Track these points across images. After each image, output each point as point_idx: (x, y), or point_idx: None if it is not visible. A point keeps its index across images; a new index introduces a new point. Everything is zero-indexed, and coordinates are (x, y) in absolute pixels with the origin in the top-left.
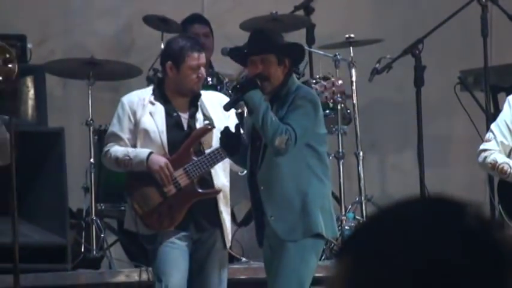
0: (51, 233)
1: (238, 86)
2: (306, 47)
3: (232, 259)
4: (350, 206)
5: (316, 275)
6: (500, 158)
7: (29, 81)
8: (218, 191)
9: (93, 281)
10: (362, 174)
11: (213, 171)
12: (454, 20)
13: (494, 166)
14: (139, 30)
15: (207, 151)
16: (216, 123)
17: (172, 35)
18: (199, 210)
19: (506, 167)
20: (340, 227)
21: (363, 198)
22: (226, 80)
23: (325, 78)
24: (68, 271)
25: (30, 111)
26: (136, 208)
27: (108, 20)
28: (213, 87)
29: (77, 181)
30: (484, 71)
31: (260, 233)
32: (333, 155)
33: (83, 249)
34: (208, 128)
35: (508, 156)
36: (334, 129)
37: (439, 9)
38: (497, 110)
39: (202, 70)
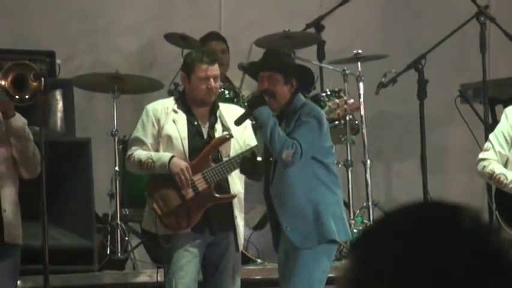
0: (79, 236)
1: (248, 102)
2: (317, 62)
3: (248, 260)
4: (358, 211)
5: (329, 275)
6: (498, 169)
7: (58, 95)
8: (234, 196)
9: (118, 281)
10: (369, 181)
11: (229, 178)
12: (454, 37)
13: (491, 176)
14: (161, 46)
15: (225, 159)
16: (234, 134)
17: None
18: (215, 214)
19: (502, 178)
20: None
21: (370, 203)
22: (243, 93)
23: (338, 96)
24: (94, 272)
25: (59, 122)
26: (156, 208)
27: (131, 37)
28: (230, 100)
29: (102, 188)
30: (483, 84)
31: (276, 239)
32: (342, 163)
33: (108, 252)
34: (227, 137)
35: (505, 165)
36: (343, 139)
37: (440, 27)
38: (495, 121)
39: (212, 81)
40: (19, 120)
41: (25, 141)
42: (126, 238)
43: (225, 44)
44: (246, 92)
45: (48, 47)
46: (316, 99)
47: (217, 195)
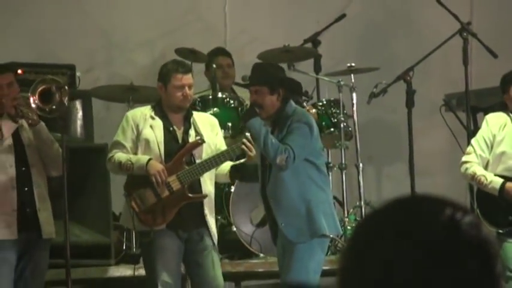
0: (97, 233)
1: (241, 116)
2: (314, 74)
3: (251, 255)
4: (351, 209)
5: (324, 268)
6: (479, 170)
7: (78, 104)
8: (205, 196)
9: (133, 275)
10: (361, 183)
11: (201, 179)
12: (439, 51)
13: (473, 177)
14: (172, 59)
15: (197, 161)
16: (206, 139)
17: (201, 64)
18: (187, 212)
19: (483, 179)
20: (343, 228)
21: (362, 202)
22: (247, 102)
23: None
24: (111, 266)
25: (78, 129)
26: (134, 206)
27: (144, 51)
28: (235, 110)
29: (118, 189)
30: (465, 94)
31: (274, 234)
32: (336, 166)
33: (124, 247)
34: (199, 142)
35: (486, 167)
36: (337, 144)
37: (427, 41)
38: (477, 128)
39: (187, 89)
40: (44, 126)
41: (51, 143)
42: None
43: (230, 58)
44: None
45: (68, 61)
46: (314, 108)
47: (190, 194)
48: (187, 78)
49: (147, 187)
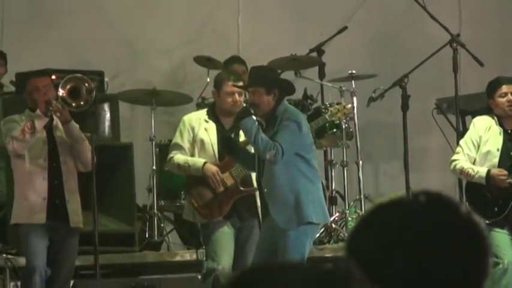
0: (123, 223)
1: (236, 115)
2: (318, 80)
3: None
4: (352, 202)
5: (328, 255)
6: (467, 165)
7: (106, 107)
8: (256, 189)
9: (155, 260)
10: (361, 178)
11: (252, 174)
12: (431, 59)
13: (462, 171)
14: (191, 67)
15: None
16: None
17: (216, 71)
18: (241, 204)
19: (470, 171)
20: (344, 218)
21: (362, 196)
22: None
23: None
24: (135, 252)
25: (106, 129)
26: (194, 203)
27: (166, 59)
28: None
29: (142, 183)
30: (455, 99)
31: (263, 217)
32: (339, 163)
33: (147, 236)
34: (247, 141)
35: (473, 164)
36: (340, 143)
37: (420, 51)
38: (465, 129)
39: (237, 96)
40: (75, 125)
41: (82, 141)
42: (162, 225)
43: (244, 65)
44: None
45: (97, 68)
46: (318, 110)
47: (242, 188)
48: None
49: (204, 185)
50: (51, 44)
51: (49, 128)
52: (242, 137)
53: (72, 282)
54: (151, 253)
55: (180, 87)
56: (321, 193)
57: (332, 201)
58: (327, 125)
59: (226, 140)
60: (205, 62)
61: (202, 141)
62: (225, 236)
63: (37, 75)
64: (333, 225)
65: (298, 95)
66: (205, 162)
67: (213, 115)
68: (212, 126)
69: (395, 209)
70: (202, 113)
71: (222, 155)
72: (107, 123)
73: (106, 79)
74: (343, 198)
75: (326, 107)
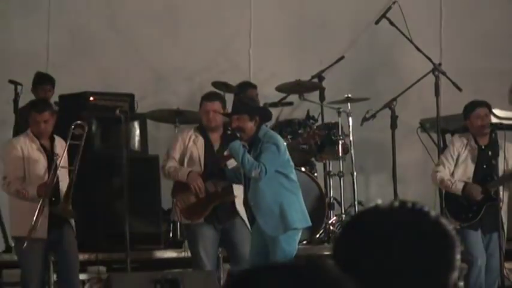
0: (150, 224)
1: (225, 139)
2: (319, 103)
3: None
4: (347, 207)
5: (326, 253)
6: (446, 176)
7: (136, 124)
8: (235, 197)
9: (178, 256)
10: (355, 187)
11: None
12: (417, 85)
13: (442, 182)
14: (208, 90)
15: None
16: None
17: (230, 95)
18: (221, 209)
19: (449, 183)
20: (340, 221)
21: (356, 202)
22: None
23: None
24: (160, 250)
25: (136, 144)
26: (178, 205)
27: (187, 83)
28: None
29: (167, 190)
30: (437, 119)
31: (251, 224)
32: (336, 174)
33: (170, 235)
34: (229, 155)
35: (452, 176)
36: (336, 157)
37: (407, 77)
38: (445, 146)
39: (211, 114)
40: None
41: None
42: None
43: (256, 89)
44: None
45: (128, 91)
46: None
47: (222, 195)
48: (213, 105)
49: (189, 190)
50: (89, 70)
51: (49, 152)
52: (226, 152)
53: (106, 274)
54: (174, 250)
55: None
56: (301, 201)
57: (330, 206)
58: (326, 141)
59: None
60: (221, 86)
61: (191, 154)
62: (206, 238)
63: (37, 110)
64: (331, 227)
65: (302, 115)
66: (190, 171)
67: (202, 131)
68: (201, 140)
69: (372, 215)
70: (193, 130)
71: (206, 166)
72: (137, 139)
73: (136, 100)
74: (339, 204)
75: (304, 131)
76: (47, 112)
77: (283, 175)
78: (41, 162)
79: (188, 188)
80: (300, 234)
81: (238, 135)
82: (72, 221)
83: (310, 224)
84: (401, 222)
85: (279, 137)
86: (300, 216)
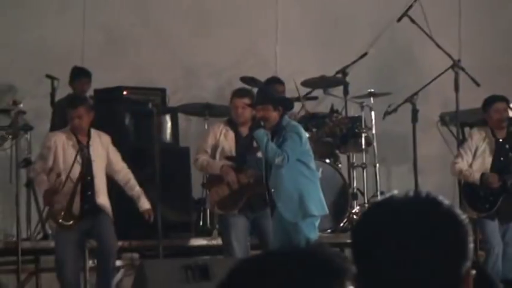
0: (181, 213)
1: (249, 128)
2: (343, 97)
3: None
4: (370, 198)
5: (349, 240)
6: (464, 167)
7: (167, 118)
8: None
9: (207, 244)
10: (378, 178)
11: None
12: (437, 80)
13: (460, 172)
14: (237, 85)
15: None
16: None
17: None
18: (254, 199)
19: (467, 173)
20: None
21: (378, 193)
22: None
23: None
24: (191, 237)
25: (168, 136)
26: (213, 197)
27: (216, 79)
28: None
29: (197, 180)
30: (456, 113)
31: (272, 213)
32: (359, 165)
33: (201, 224)
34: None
35: (470, 168)
36: (360, 149)
37: (428, 73)
38: (464, 138)
39: (240, 109)
40: None
41: None
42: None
43: (283, 85)
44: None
45: (161, 85)
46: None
47: (254, 186)
48: (241, 100)
49: (222, 183)
50: (123, 65)
51: (84, 148)
52: (255, 144)
53: (140, 260)
54: (204, 238)
55: (228, 101)
56: (319, 190)
57: (353, 196)
58: (350, 133)
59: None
60: (249, 81)
61: (222, 147)
62: (239, 228)
63: (71, 106)
64: (354, 217)
65: (326, 109)
66: (223, 164)
67: (232, 124)
68: (231, 133)
69: (387, 205)
70: (224, 123)
71: (239, 157)
72: (168, 131)
73: (168, 95)
74: (362, 194)
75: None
76: (80, 108)
77: (303, 164)
78: (73, 157)
79: (222, 181)
80: (318, 221)
81: (262, 124)
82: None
83: (327, 212)
84: (416, 212)
85: (300, 127)
86: (317, 204)
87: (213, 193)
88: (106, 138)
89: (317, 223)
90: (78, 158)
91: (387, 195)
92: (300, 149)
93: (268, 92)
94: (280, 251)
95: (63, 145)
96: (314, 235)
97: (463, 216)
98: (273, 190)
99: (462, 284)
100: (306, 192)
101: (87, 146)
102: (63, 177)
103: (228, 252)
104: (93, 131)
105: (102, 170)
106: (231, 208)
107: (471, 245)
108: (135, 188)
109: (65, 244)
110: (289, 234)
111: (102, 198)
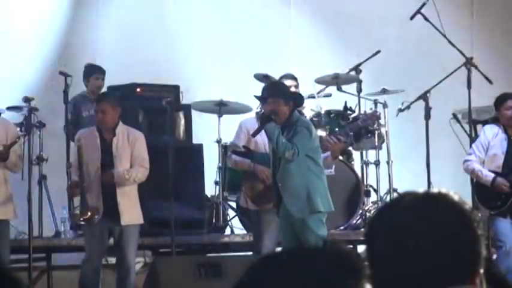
0: (194, 210)
1: (260, 119)
2: (356, 95)
3: None
4: (383, 195)
5: (362, 238)
6: (477, 167)
7: (181, 115)
8: None
9: (220, 241)
10: (391, 175)
11: None
12: (450, 77)
13: (472, 171)
14: (250, 82)
15: None
16: None
17: None
18: None
19: (479, 173)
20: (377, 207)
21: (391, 189)
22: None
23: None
24: (204, 234)
25: (181, 133)
26: (247, 192)
27: (229, 76)
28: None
29: (210, 178)
30: (469, 110)
31: (277, 209)
32: (373, 162)
33: (214, 221)
34: None
35: (482, 164)
36: (374, 146)
37: (440, 70)
38: (476, 135)
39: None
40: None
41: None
42: (226, 212)
43: (296, 81)
44: (308, 114)
45: (174, 83)
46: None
47: None
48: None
49: (257, 178)
50: (137, 63)
51: (108, 145)
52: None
53: (152, 257)
54: (217, 235)
55: (241, 98)
56: (325, 186)
57: (366, 193)
58: (363, 131)
59: (245, 149)
60: (262, 78)
61: (256, 141)
62: (271, 225)
63: (96, 100)
64: (367, 214)
65: (339, 106)
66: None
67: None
68: None
69: (398, 204)
70: (256, 118)
71: (273, 152)
72: (182, 128)
73: (181, 92)
74: (375, 191)
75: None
76: (103, 102)
77: (312, 160)
78: (97, 154)
79: (256, 176)
80: (324, 217)
81: (272, 117)
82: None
83: (333, 209)
84: (427, 210)
85: (311, 123)
86: (324, 200)
87: (247, 189)
88: (135, 135)
89: (324, 219)
90: (99, 154)
91: (400, 192)
92: (309, 145)
93: (279, 86)
94: (296, 249)
95: (86, 141)
96: (323, 232)
97: (475, 214)
98: (280, 184)
99: (473, 282)
100: (313, 188)
101: (111, 142)
102: (85, 174)
103: (258, 249)
104: (120, 127)
105: (125, 167)
106: (266, 203)
107: (483, 243)
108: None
109: (88, 239)
110: (296, 230)
111: (126, 201)
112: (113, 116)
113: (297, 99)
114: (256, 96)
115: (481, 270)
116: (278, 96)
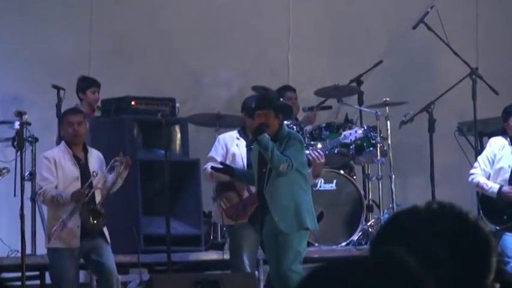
0: (191, 227)
1: (253, 132)
2: (357, 106)
3: (308, 244)
4: (386, 210)
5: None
6: (482, 179)
7: (177, 128)
8: None
9: (218, 258)
10: (393, 190)
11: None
12: (454, 88)
13: (477, 184)
14: (247, 95)
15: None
16: None
17: None
18: None
19: (485, 186)
20: (379, 224)
21: (394, 205)
22: (306, 127)
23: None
24: (201, 251)
25: (177, 148)
26: (222, 205)
27: (226, 88)
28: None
29: (207, 193)
30: (474, 122)
31: (260, 226)
32: (375, 176)
33: (211, 237)
34: None
35: (488, 179)
36: (375, 160)
37: (445, 81)
38: (482, 148)
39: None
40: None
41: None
42: (224, 228)
43: (295, 93)
44: (308, 127)
45: (170, 95)
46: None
47: None
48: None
49: (232, 190)
50: (131, 75)
51: (82, 163)
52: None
53: (148, 276)
54: (215, 252)
55: (239, 112)
56: (311, 203)
57: (369, 208)
58: (365, 144)
59: (224, 165)
60: (261, 90)
61: (233, 155)
62: (249, 241)
63: (72, 112)
64: (370, 230)
65: (340, 119)
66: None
67: (244, 134)
68: (243, 142)
69: (410, 216)
70: (235, 132)
71: (249, 166)
72: (178, 142)
73: (177, 105)
74: (378, 206)
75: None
76: (80, 115)
77: (301, 175)
78: (74, 173)
79: (231, 189)
80: (308, 236)
81: (265, 129)
82: (106, 230)
83: (317, 227)
84: (439, 224)
85: (301, 137)
86: (311, 218)
87: (222, 201)
88: (99, 154)
89: (307, 238)
90: (77, 173)
91: (409, 206)
92: (300, 159)
93: (269, 97)
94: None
95: (60, 161)
96: (303, 249)
97: (488, 229)
98: (267, 197)
99: None
100: (302, 205)
101: (86, 160)
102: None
103: (236, 265)
104: (89, 147)
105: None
106: (241, 217)
107: (495, 259)
108: None
109: (64, 265)
110: (277, 245)
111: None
112: (85, 132)
113: (286, 112)
114: (245, 108)
115: (497, 285)
116: (268, 107)
